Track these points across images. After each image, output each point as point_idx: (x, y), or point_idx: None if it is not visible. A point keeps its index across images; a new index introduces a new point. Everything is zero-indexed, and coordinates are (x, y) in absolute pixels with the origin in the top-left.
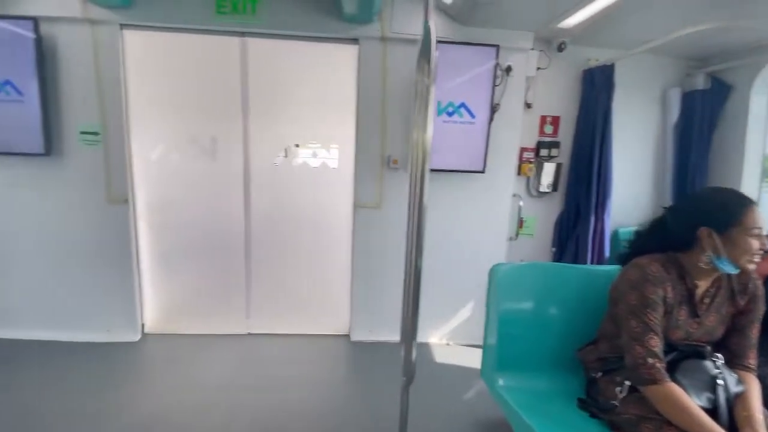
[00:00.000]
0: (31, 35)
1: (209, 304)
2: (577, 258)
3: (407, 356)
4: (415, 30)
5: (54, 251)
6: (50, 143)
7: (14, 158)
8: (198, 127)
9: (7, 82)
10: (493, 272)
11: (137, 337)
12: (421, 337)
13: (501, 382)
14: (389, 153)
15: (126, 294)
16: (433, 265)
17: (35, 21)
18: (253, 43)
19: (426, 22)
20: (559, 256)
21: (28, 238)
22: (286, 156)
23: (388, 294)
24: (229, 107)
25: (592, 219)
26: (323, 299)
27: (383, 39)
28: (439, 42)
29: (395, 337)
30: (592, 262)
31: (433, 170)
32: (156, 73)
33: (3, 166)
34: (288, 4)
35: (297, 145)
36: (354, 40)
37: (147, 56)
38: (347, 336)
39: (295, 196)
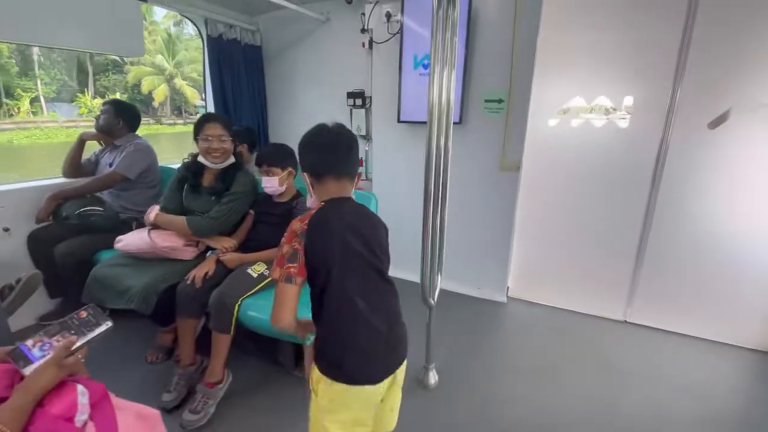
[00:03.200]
0: (465, 4)
1: (580, 279)
2: None
3: None
4: None
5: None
6: (463, 112)
7: None
8: (609, 89)
9: (427, 56)
10: None
11: (504, 299)
12: None
13: None
14: None
15: (500, 257)
16: None
17: None
18: None
19: None
20: None
21: None
22: (725, 121)
23: None
24: (657, 63)
25: None
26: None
27: None
28: None
29: None
30: None
31: None
32: (565, 29)
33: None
34: None
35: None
36: None
37: (559, 10)
38: None
39: (729, 171)
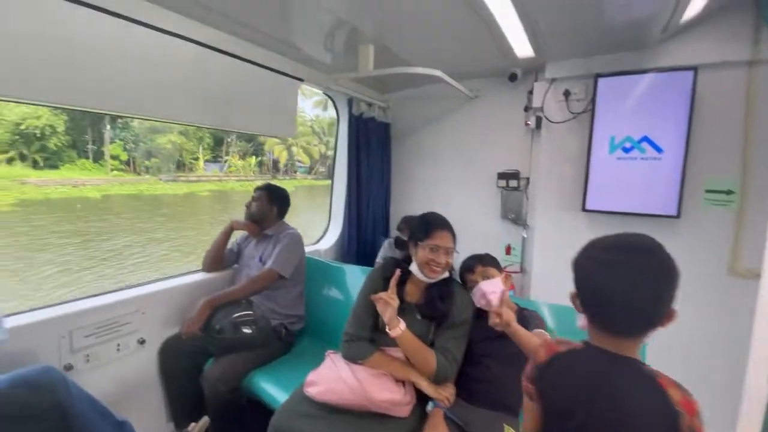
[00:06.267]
0: (688, 86)
1: None
2: None
3: None
4: None
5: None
6: (681, 204)
7: (643, 219)
8: None
9: (645, 138)
10: None
11: None
12: None
13: None
14: None
15: (726, 391)
16: None
17: (695, 70)
18: None
19: None
20: None
21: None
22: None
23: None
24: None
25: None
26: None
27: None
28: None
29: None
30: None
31: None
32: None
33: (632, 226)
34: None
35: None
36: None
37: None
38: None
39: None
